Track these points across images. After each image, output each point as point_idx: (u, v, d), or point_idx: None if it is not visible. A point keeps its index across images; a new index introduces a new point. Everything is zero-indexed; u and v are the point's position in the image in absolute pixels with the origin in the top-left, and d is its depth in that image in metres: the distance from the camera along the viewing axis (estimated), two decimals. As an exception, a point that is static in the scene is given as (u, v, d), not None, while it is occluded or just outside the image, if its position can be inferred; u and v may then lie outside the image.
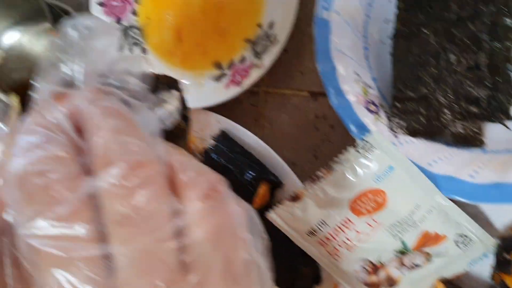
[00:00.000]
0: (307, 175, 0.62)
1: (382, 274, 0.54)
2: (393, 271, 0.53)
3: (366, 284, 0.55)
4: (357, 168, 0.49)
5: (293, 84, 0.64)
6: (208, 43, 0.66)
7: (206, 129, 0.64)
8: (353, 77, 0.53)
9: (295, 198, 0.52)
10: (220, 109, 0.63)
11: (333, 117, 0.62)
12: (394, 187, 0.50)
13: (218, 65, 0.66)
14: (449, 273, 0.53)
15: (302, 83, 0.64)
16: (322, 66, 0.53)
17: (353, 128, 0.52)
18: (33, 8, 0.98)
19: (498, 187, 0.48)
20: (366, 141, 0.49)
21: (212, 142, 0.62)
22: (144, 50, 0.69)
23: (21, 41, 1.04)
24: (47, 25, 1.00)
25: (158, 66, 0.69)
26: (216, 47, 0.66)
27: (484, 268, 0.54)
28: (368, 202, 0.50)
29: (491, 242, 0.52)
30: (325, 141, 0.63)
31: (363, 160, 0.49)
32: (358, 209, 0.51)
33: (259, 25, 0.63)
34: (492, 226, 0.53)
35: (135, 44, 0.69)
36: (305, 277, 0.58)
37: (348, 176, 0.50)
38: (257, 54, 0.62)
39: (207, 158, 0.61)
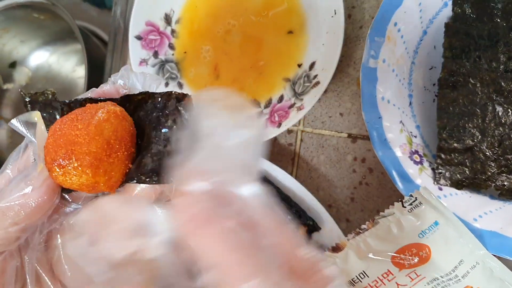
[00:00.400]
0: (343, 217, 0.62)
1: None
2: (433, 323, 0.53)
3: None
4: (402, 223, 0.49)
5: (332, 125, 0.64)
6: (245, 80, 0.66)
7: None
8: (398, 126, 0.53)
9: (336, 249, 0.52)
10: (256, 148, 0.63)
11: (372, 160, 0.61)
12: (439, 242, 0.49)
13: (255, 104, 0.65)
14: (490, 327, 0.53)
15: (341, 125, 0.63)
16: (367, 115, 0.52)
17: (397, 179, 0.51)
18: (62, 29, 0.99)
19: (546, 247, 0.47)
20: (413, 197, 0.48)
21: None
22: (180, 85, 0.69)
23: (49, 61, 1.06)
24: (78, 46, 1.01)
25: (194, 101, 0.69)
26: (253, 84, 0.66)
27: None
28: (412, 256, 0.50)
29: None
30: (363, 184, 0.62)
31: (408, 215, 0.49)
32: (401, 262, 0.50)
33: (299, 65, 0.63)
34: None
35: (172, 78, 0.69)
36: None
37: (393, 230, 0.49)
38: (297, 94, 0.62)
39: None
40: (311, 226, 0.59)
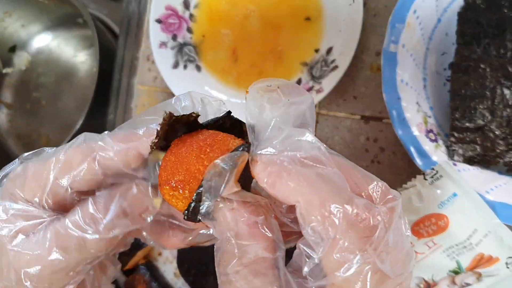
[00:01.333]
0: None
1: (434, 291, 0.58)
2: (445, 288, 0.57)
3: (418, 300, 0.58)
4: (423, 194, 0.53)
5: (346, 108, 0.68)
6: (264, 64, 0.69)
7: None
8: (415, 107, 0.57)
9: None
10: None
11: (383, 140, 0.65)
12: (456, 212, 0.53)
13: (274, 86, 0.68)
14: (495, 291, 0.58)
15: (355, 107, 0.67)
16: (388, 96, 0.56)
17: (415, 155, 0.56)
18: (66, 14, 1.00)
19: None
20: (435, 170, 0.52)
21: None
22: (198, 67, 0.72)
23: (50, 46, 1.06)
24: (80, 32, 1.02)
25: (212, 84, 0.71)
26: (272, 68, 0.69)
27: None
28: (430, 226, 0.54)
29: (537, 265, 0.56)
30: (375, 162, 0.66)
31: (429, 187, 0.53)
32: (420, 231, 0.55)
33: (316, 50, 0.66)
34: (538, 249, 0.57)
35: (190, 61, 0.72)
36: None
37: (414, 201, 0.53)
38: (314, 78, 0.65)
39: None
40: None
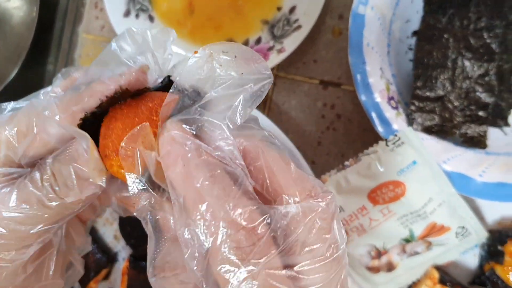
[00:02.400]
0: (309, 159, 0.64)
1: (384, 259, 0.58)
2: (395, 257, 0.58)
3: (367, 267, 0.58)
4: (383, 161, 0.52)
5: (305, 71, 0.66)
6: (221, 18, 0.65)
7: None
8: (379, 72, 0.56)
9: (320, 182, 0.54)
10: (231, 88, 0.63)
11: (340, 107, 0.64)
12: (414, 180, 0.53)
13: (231, 43, 0.65)
14: (443, 260, 0.59)
15: (314, 71, 0.65)
16: (353, 59, 0.55)
17: (377, 122, 0.55)
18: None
19: (502, 187, 0.53)
20: (397, 136, 0.52)
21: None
22: (151, 18, 0.67)
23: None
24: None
25: (165, 36, 0.66)
26: (230, 24, 0.65)
27: (469, 256, 0.60)
28: (387, 193, 0.54)
29: (484, 235, 0.57)
30: (330, 129, 0.65)
31: (390, 154, 0.52)
32: (376, 198, 0.54)
33: (279, 8, 0.63)
34: (484, 220, 0.59)
35: (143, 10, 0.67)
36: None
37: (373, 167, 0.53)
38: (276, 37, 0.63)
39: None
40: (285, 166, 0.61)
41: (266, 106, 0.67)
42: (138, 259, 0.65)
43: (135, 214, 0.27)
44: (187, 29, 0.66)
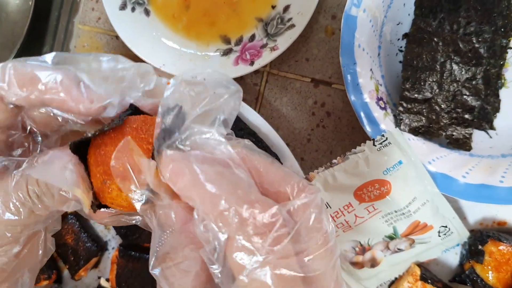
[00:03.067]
0: (299, 156, 0.66)
1: (367, 255, 0.59)
2: (378, 253, 0.59)
3: (351, 262, 0.60)
4: (370, 160, 0.54)
5: (297, 69, 0.67)
6: (217, 15, 0.66)
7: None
8: (369, 73, 0.57)
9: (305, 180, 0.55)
10: (223, 84, 0.64)
11: (331, 105, 0.65)
12: (399, 179, 0.55)
13: (226, 40, 0.66)
14: (425, 258, 0.60)
15: (306, 70, 0.66)
16: (344, 59, 0.56)
17: (365, 121, 0.56)
18: None
19: (484, 188, 0.55)
20: (384, 136, 0.53)
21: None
22: (146, 11, 0.67)
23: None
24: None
25: (160, 30, 0.67)
26: (225, 20, 0.66)
27: (450, 255, 0.61)
28: (373, 191, 0.55)
29: (465, 234, 0.59)
30: (320, 127, 0.66)
31: (377, 153, 0.53)
32: (362, 196, 0.55)
33: (273, 7, 0.64)
34: (466, 220, 0.60)
35: (139, 3, 0.67)
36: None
37: (361, 166, 0.54)
38: (269, 35, 0.64)
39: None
40: (275, 162, 0.62)
41: (257, 102, 0.68)
42: (128, 249, 0.67)
43: (139, 212, 0.28)
44: (182, 24, 0.67)
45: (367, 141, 0.53)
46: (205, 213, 0.25)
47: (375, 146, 0.53)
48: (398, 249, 0.59)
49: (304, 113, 0.67)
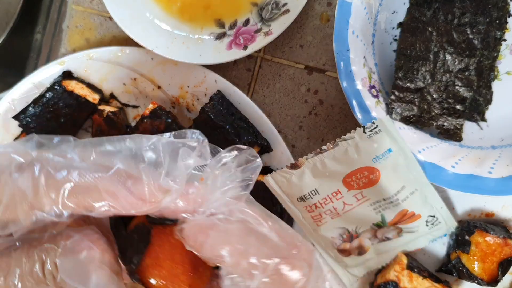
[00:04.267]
0: (290, 143, 0.66)
1: (355, 243, 0.59)
2: (366, 241, 0.59)
3: (338, 250, 0.60)
4: (360, 147, 0.54)
5: (291, 56, 0.66)
6: (212, -2, 0.66)
7: (201, 85, 0.65)
8: (362, 60, 0.57)
9: (294, 166, 0.55)
10: (214, 69, 0.64)
11: (324, 93, 0.65)
12: (389, 167, 0.55)
13: (220, 23, 0.66)
14: (412, 247, 0.60)
15: (300, 56, 0.66)
16: (338, 46, 0.56)
17: (356, 109, 0.56)
18: None
19: (472, 179, 0.55)
20: (375, 124, 0.53)
21: (209, 100, 0.62)
22: (141, -7, 0.67)
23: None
24: None
25: (154, 11, 0.67)
26: (220, 4, 0.66)
27: (437, 245, 0.62)
28: (362, 179, 0.55)
29: (453, 225, 0.59)
30: (312, 114, 0.66)
31: (367, 141, 0.53)
32: (351, 183, 0.55)
33: (268, -9, 0.64)
34: (454, 210, 0.61)
35: (133, -16, 0.67)
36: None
37: (350, 153, 0.54)
38: (264, 20, 0.63)
39: (203, 116, 0.62)
40: (264, 147, 0.62)
41: (250, 88, 0.68)
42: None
43: None
44: (176, 6, 0.67)
45: (357, 128, 0.53)
46: (232, 266, 0.27)
47: (365, 133, 0.53)
48: (386, 237, 0.59)
49: (297, 100, 0.67)
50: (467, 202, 0.60)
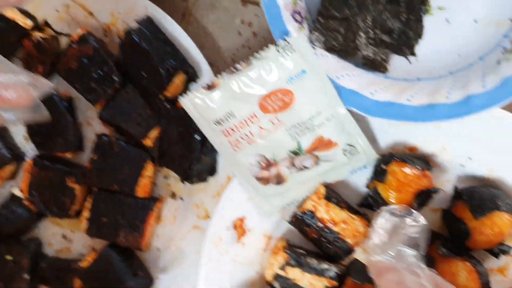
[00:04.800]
0: (222, 76, 0.64)
1: (273, 171, 0.58)
2: (284, 169, 0.58)
3: (257, 178, 0.59)
4: (274, 67, 0.52)
5: (227, -14, 0.65)
6: None
7: (132, 12, 0.64)
8: (287, -17, 0.56)
9: (211, 87, 0.54)
10: (149, -2, 0.63)
11: (258, 25, 0.64)
12: (303, 90, 0.54)
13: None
14: (331, 178, 0.59)
15: (236, -13, 0.65)
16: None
17: (276, 31, 0.55)
18: None
19: (391, 106, 0.54)
20: (288, 42, 0.52)
21: (136, 25, 0.61)
22: None
23: None
24: None
25: None
26: None
27: (359, 178, 0.61)
28: (276, 101, 0.54)
29: (373, 156, 0.58)
30: (245, 47, 0.65)
31: (281, 60, 0.52)
32: (266, 106, 0.54)
33: None
34: (377, 143, 0.59)
35: None
36: (202, 164, 0.62)
37: (264, 73, 0.53)
38: None
39: (128, 39, 0.61)
40: (191, 74, 0.61)
41: (184, 19, 0.67)
42: (42, 159, 0.66)
43: None
44: None
45: (270, 46, 0.52)
46: None
47: (279, 52, 0.52)
48: (304, 166, 0.58)
49: (230, 32, 0.66)
50: (390, 135, 0.59)
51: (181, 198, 0.67)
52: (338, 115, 0.55)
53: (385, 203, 0.56)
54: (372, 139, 0.59)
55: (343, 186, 0.61)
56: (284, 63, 0.53)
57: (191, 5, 0.66)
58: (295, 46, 0.52)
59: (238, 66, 0.53)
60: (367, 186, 0.59)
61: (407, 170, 0.55)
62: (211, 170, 0.63)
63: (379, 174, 0.57)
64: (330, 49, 0.57)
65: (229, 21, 0.66)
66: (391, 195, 0.56)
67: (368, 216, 0.59)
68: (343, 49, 0.57)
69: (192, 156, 0.60)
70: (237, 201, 0.61)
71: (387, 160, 0.56)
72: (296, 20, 0.56)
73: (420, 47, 0.58)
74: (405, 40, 0.58)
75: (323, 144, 0.56)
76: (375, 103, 0.54)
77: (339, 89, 0.54)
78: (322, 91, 0.54)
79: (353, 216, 0.57)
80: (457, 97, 0.52)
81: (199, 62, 0.62)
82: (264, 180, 0.59)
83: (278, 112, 0.55)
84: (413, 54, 0.58)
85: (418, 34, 0.58)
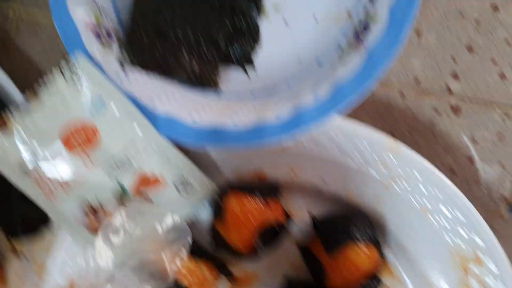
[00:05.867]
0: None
1: (102, 218, 0.49)
2: (115, 217, 0.49)
3: (88, 228, 0.50)
4: (66, 96, 0.44)
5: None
6: None
7: None
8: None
9: (1, 125, 0.45)
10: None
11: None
12: (106, 121, 0.45)
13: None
14: (173, 220, 0.50)
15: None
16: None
17: (74, 54, 0.46)
18: None
19: (214, 132, 0.46)
20: (75, 66, 0.43)
21: None
22: None
23: None
24: None
25: None
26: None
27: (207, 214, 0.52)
28: (80, 135, 0.45)
29: (212, 188, 0.50)
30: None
31: (72, 89, 0.44)
32: (71, 142, 0.46)
33: None
34: (219, 171, 0.51)
35: None
36: (26, 218, 0.53)
37: (57, 103, 0.44)
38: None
39: None
40: None
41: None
42: None
43: None
44: None
45: (56, 73, 0.43)
46: None
47: (66, 80, 0.44)
48: (137, 211, 0.49)
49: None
50: (232, 161, 0.50)
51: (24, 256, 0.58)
52: (157, 146, 0.47)
53: (225, 242, 0.47)
54: (213, 167, 0.50)
55: (193, 226, 0.52)
56: (77, 90, 0.44)
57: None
58: (83, 70, 0.43)
59: (26, 100, 0.44)
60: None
61: (247, 202, 0.46)
62: (42, 218, 0.54)
63: (216, 209, 0.48)
64: (146, 66, 0.49)
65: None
66: (232, 234, 0.47)
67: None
68: (162, 65, 0.49)
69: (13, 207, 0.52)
70: (71, 256, 0.52)
71: (223, 191, 0.48)
72: (101, 40, 0.48)
73: (257, 55, 0.51)
74: (240, 51, 0.50)
75: (147, 181, 0.48)
76: (195, 130, 0.46)
77: (154, 115, 0.46)
78: (130, 119, 0.45)
79: (201, 264, 0.49)
80: (286, 113, 0.45)
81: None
82: (94, 230, 0.50)
83: (87, 149, 0.46)
84: (250, 63, 0.50)
85: (255, 40, 0.51)
